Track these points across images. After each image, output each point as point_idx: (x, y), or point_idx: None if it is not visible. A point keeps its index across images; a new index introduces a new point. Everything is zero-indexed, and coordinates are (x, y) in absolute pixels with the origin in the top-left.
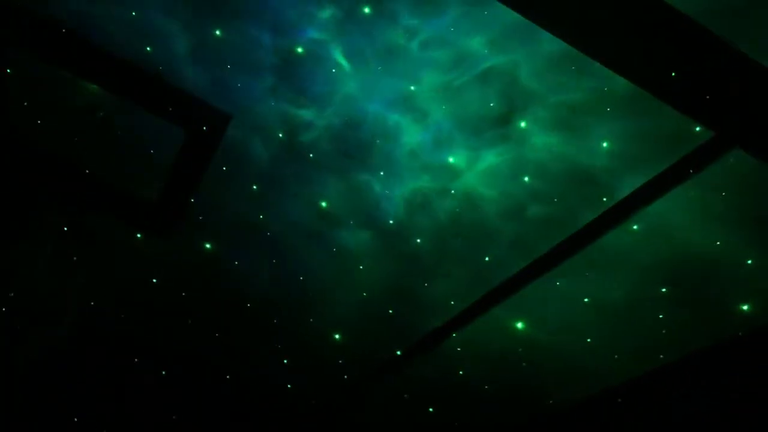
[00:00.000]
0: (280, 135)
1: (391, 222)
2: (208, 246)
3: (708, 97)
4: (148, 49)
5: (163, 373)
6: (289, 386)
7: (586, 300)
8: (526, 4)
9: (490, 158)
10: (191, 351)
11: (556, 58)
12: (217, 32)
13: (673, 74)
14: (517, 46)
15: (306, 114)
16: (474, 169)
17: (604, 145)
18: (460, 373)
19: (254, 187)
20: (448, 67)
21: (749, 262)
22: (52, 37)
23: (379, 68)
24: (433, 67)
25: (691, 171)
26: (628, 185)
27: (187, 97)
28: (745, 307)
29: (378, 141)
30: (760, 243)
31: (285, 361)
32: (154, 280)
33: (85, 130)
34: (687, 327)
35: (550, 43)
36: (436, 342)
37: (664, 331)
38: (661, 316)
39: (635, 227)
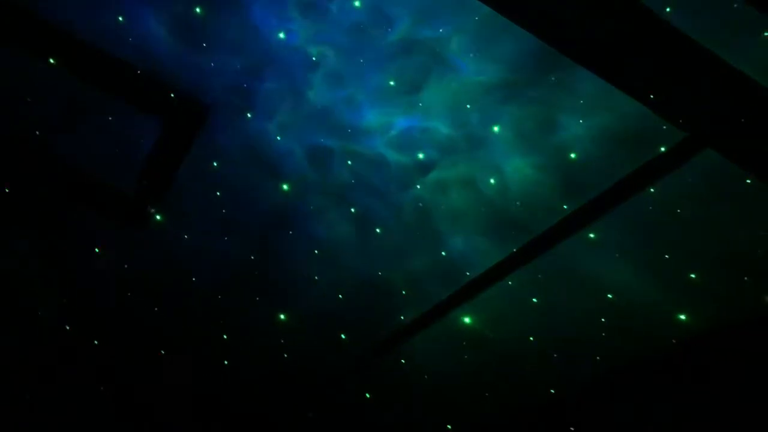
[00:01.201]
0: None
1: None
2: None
3: (679, 95)
4: None
5: (95, 342)
6: (225, 362)
7: (534, 300)
8: None
9: (400, 124)
10: (135, 324)
11: (483, 36)
12: None
13: (636, 64)
14: (443, 19)
15: (216, 64)
16: (383, 133)
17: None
18: (402, 361)
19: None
20: (370, 30)
21: (693, 276)
22: (23, 24)
23: (297, 22)
24: (354, 29)
25: (655, 176)
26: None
27: (165, 88)
28: (683, 317)
29: (287, 95)
30: (704, 258)
31: (225, 337)
32: (96, 250)
33: (61, 120)
34: (628, 333)
35: (478, 18)
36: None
37: (603, 334)
38: (603, 320)
39: (591, 236)
